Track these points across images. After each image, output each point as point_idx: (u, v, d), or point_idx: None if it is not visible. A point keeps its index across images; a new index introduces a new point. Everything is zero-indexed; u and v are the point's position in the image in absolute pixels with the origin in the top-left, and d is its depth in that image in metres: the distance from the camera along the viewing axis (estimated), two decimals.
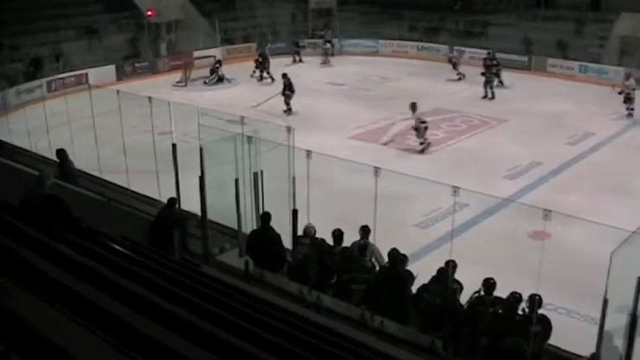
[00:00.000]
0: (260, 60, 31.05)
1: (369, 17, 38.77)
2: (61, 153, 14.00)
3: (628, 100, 24.83)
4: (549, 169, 19.04)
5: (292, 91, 25.11)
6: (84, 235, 7.94)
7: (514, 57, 32.64)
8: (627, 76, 25.97)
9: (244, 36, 36.45)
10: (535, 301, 8.75)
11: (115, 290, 5.46)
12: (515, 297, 9.09)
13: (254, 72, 31.20)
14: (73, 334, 4.42)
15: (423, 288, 9.62)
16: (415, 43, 36.25)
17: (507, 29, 34.57)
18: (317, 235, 11.07)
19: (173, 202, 12.12)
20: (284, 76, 25.64)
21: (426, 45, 35.93)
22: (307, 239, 11.14)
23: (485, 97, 27.01)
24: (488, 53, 28.16)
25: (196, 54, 32.77)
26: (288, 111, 24.84)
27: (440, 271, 9.57)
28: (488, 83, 27.13)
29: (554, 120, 23.83)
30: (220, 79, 30.10)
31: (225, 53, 33.68)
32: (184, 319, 5.07)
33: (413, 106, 20.99)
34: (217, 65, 30.40)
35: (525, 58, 32.44)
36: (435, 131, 22.78)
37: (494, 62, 27.80)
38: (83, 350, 4.22)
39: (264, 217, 11.36)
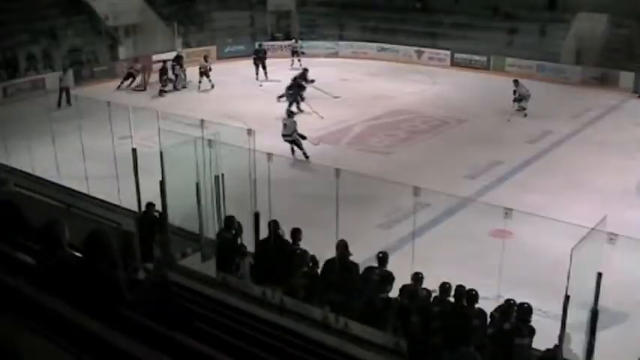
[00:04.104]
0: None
1: (329, 19, 38.73)
2: None
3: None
4: (509, 168, 19.21)
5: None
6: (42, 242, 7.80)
7: (475, 57, 33.08)
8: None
9: (203, 39, 36.19)
10: (526, 310, 8.76)
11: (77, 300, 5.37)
12: (471, 293, 9.04)
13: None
14: (33, 344, 4.34)
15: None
16: (375, 44, 36.35)
17: (467, 30, 34.79)
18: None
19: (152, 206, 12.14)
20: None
21: (386, 46, 36.02)
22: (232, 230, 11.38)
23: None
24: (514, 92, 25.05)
25: (155, 57, 32.41)
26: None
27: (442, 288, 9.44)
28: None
29: (512, 119, 24.03)
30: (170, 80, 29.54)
31: (185, 56, 33.37)
32: (146, 325, 5.01)
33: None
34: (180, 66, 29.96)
35: (484, 58, 32.77)
36: (395, 132, 22.91)
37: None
38: None
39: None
